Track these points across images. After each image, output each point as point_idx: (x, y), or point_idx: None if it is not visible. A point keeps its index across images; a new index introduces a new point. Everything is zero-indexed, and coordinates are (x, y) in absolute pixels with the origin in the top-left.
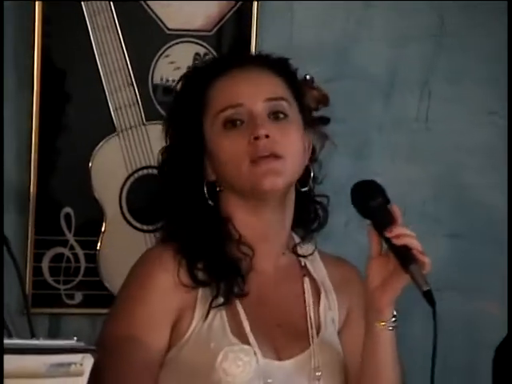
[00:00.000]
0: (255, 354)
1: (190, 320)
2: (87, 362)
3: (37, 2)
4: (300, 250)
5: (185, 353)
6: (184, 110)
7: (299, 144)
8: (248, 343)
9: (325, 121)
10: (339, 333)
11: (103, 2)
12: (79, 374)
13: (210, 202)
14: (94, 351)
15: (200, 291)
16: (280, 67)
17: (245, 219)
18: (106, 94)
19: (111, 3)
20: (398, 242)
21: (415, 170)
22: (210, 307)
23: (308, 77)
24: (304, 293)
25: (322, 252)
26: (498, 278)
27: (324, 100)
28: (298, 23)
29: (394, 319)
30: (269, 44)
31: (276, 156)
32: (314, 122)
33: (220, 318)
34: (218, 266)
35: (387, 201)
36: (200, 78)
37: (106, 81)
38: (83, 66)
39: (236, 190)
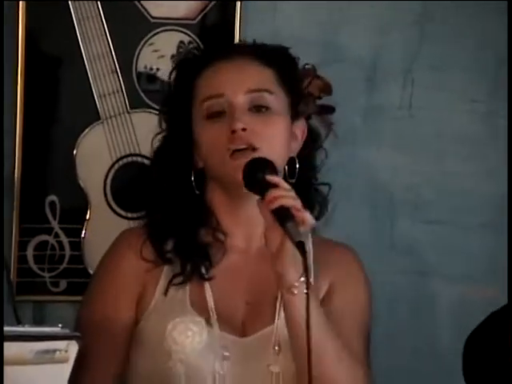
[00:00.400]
0: (210, 326)
1: (152, 295)
2: (72, 348)
3: None
4: None
5: (147, 325)
6: (174, 99)
7: (282, 136)
8: (209, 317)
9: (329, 110)
10: None
11: None
12: (64, 361)
13: (196, 191)
14: (78, 338)
15: (165, 268)
16: (270, 57)
17: (228, 211)
18: (91, 81)
19: None
20: (273, 205)
21: (399, 157)
22: (170, 283)
23: (309, 66)
24: None
25: (317, 236)
26: (482, 264)
27: (327, 89)
28: (282, 11)
29: (303, 280)
30: (253, 31)
31: (253, 148)
32: (318, 111)
33: (182, 293)
34: (187, 248)
35: (272, 173)
36: (190, 68)
37: (90, 68)
38: (68, 53)
39: (219, 181)
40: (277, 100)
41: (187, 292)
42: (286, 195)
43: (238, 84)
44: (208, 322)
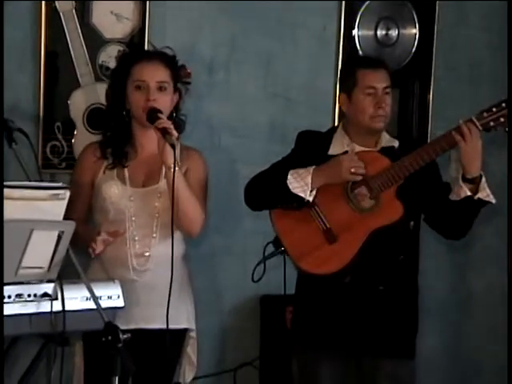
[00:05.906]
0: (125, 184)
1: (98, 172)
2: (67, 193)
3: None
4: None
5: (96, 186)
6: (119, 72)
7: (169, 102)
8: (124, 181)
9: (188, 83)
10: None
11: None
12: (63, 199)
13: (126, 119)
14: (69, 188)
15: (106, 161)
16: (169, 63)
17: (140, 132)
18: (76, 68)
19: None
20: (159, 126)
21: (223, 106)
22: (106, 167)
23: (183, 64)
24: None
25: (183, 145)
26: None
27: (189, 75)
28: (172, 30)
29: (174, 167)
30: (156, 43)
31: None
32: (185, 83)
33: (112, 171)
34: (117, 152)
35: (160, 114)
36: (130, 57)
37: (75, 60)
38: (61, 49)
39: (137, 118)
40: (169, 86)
41: (115, 171)
42: (165, 122)
43: (153, 76)
44: (124, 183)
